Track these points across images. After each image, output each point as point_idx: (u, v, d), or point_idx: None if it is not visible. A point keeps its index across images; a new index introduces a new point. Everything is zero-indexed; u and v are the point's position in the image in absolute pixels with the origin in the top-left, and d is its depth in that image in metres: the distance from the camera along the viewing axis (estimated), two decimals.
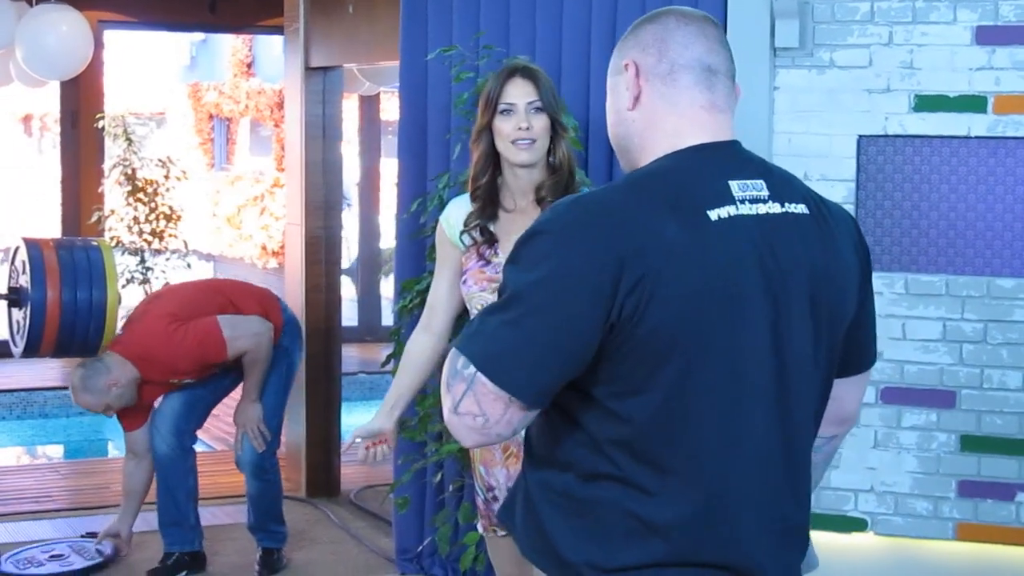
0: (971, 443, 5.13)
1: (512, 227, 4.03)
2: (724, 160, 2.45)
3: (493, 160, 4.14)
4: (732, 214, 2.36)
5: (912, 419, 5.18)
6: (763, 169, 2.47)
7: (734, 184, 2.39)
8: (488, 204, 4.12)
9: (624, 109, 2.49)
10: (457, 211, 4.20)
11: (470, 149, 4.21)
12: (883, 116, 5.15)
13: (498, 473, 4.08)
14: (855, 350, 2.61)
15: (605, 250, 2.27)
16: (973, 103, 5.08)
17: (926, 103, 5.12)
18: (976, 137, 5.08)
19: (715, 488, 2.34)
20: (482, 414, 2.29)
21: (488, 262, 4.09)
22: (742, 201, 2.38)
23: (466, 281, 4.13)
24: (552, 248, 2.30)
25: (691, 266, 2.28)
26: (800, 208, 2.46)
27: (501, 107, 4.08)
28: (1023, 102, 5.03)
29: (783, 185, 2.47)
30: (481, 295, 4.07)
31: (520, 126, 4.03)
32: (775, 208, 2.42)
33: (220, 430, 8.99)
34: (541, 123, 4.05)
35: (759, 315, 2.35)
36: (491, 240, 4.11)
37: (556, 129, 4.09)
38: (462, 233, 4.14)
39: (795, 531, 2.49)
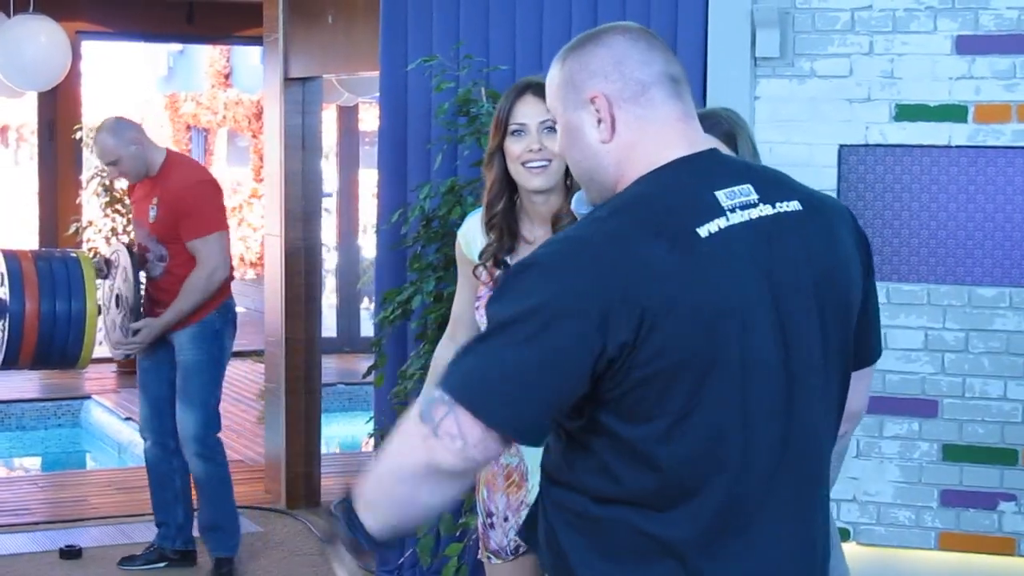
0: (953, 452, 5.14)
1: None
2: (706, 171, 2.39)
3: (508, 185, 3.81)
4: (723, 226, 2.30)
5: (894, 428, 5.18)
6: (748, 172, 2.43)
7: (720, 194, 2.33)
8: (505, 234, 3.82)
9: (596, 142, 2.41)
10: (474, 225, 3.93)
11: (483, 174, 3.92)
12: (864, 125, 5.16)
13: (499, 499, 3.96)
14: (860, 344, 2.56)
15: (592, 285, 2.22)
16: (953, 112, 5.09)
17: (907, 112, 5.13)
18: (957, 146, 5.09)
19: (728, 506, 2.32)
20: (460, 436, 2.25)
21: None
22: (731, 210, 2.32)
23: (478, 308, 3.90)
24: (538, 282, 2.26)
25: (687, 289, 2.24)
26: (793, 205, 2.41)
27: (512, 127, 3.76)
28: (1003, 111, 5.04)
29: (772, 185, 2.42)
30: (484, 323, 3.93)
31: (531, 147, 3.72)
32: (767, 210, 2.36)
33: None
34: (556, 144, 3.79)
35: (763, 326, 2.31)
36: (507, 266, 3.82)
37: None
38: (476, 267, 3.88)
39: (813, 543, 2.46)
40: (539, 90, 3.65)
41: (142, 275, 6.43)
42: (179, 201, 6.23)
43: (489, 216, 3.83)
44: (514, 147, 3.74)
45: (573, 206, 3.36)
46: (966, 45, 5.07)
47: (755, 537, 2.35)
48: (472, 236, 3.94)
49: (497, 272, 3.86)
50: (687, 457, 2.29)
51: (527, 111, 3.74)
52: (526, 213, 3.84)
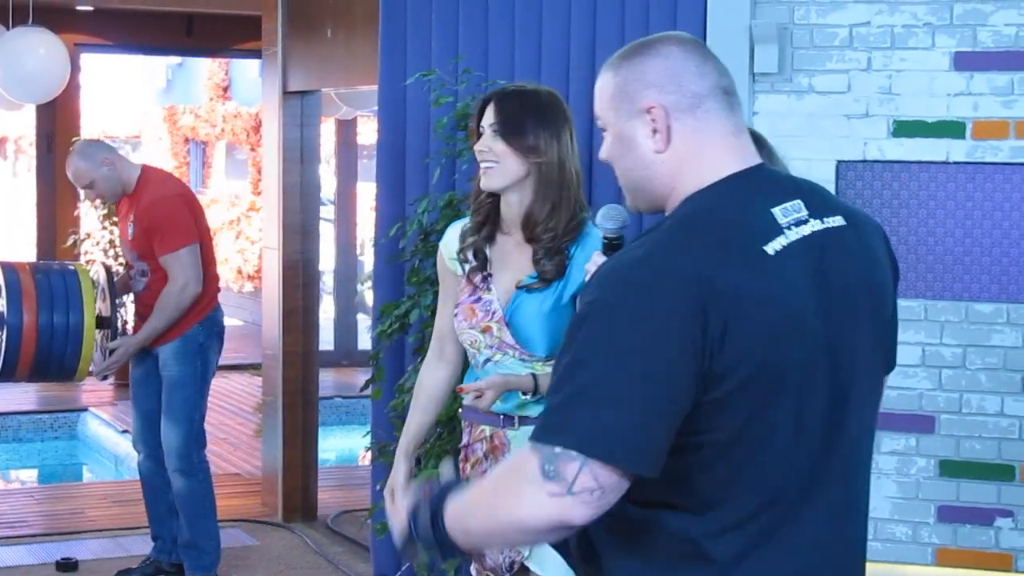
0: (950, 468, 5.14)
1: (507, 260, 3.89)
2: (760, 187, 2.42)
3: None
4: (784, 244, 2.33)
5: (891, 444, 5.18)
6: (796, 187, 2.46)
7: (776, 211, 2.37)
8: (487, 222, 3.94)
9: (650, 152, 2.42)
10: (455, 235, 4.04)
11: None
12: (862, 141, 5.16)
13: None
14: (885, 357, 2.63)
15: (687, 300, 2.23)
16: (951, 128, 5.09)
17: (905, 128, 5.13)
18: (955, 162, 5.10)
19: (770, 513, 2.33)
20: (599, 487, 2.21)
21: (479, 298, 3.93)
22: (788, 227, 2.35)
23: (457, 315, 3.97)
24: (627, 306, 2.25)
25: (761, 305, 2.26)
26: (838, 220, 2.44)
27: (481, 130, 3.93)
28: (1001, 128, 5.05)
29: (818, 200, 2.45)
30: (471, 332, 3.92)
31: (479, 148, 3.87)
32: (817, 225, 2.39)
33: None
34: (499, 147, 3.83)
35: (818, 339, 2.34)
36: (484, 266, 3.93)
37: (540, 159, 3.84)
38: (458, 252, 3.97)
39: (853, 554, 2.50)
40: (497, 97, 3.90)
41: (129, 295, 6.48)
42: (149, 217, 6.25)
43: (475, 201, 3.95)
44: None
45: (598, 221, 3.38)
46: (964, 61, 5.08)
47: (796, 545, 2.37)
48: (454, 246, 4.02)
49: (478, 278, 3.90)
50: (740, 464, 2.31)
51: (487, 115, 3.89)
52: (503, 213, 3.94)
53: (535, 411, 3.83)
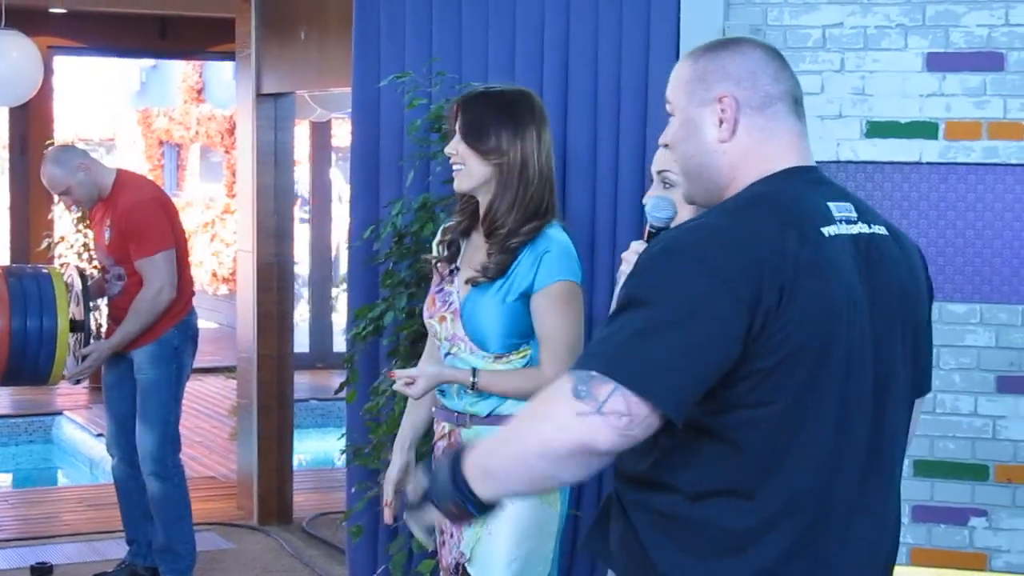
0: (924, 468, 5.14)
1: (473, 256, 3.93)
2: (817, 183, 2.54)
3: None
4: (837, 232, 2.44)
5: None
6: (847, 193, 2.57)
7: (832, 205, 2.48)
8: (468, 218, 4.01)
9: (714, 140, 2.53)
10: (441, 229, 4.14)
11: None
12: (835, 142, 5.17)
13: None
14: (918, 374, 2.67)
15: (743, 261, 2.31)
16: (924, 129, 5.10)
17: (878, 129, 5.14)
18: (927, 163, 5.11)
19: (820, 504, 2.40)
20: (628, 414, 2.26)
21: (442, 289, 3.99)
22: (840, 221, 2.46)
23: (425, 305, 4.06)
24: (685, 265, 2.32)
25: (817, 281, 2.35)
26: (882, 230, 2.55)
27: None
28: (974, 128, 5.06)
29: (865, 208, 2.56)
30: (430, 322, 3.99)
31: (448, 150, 3.95)
32: (864, 229, 2.51)
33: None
34: (463, 149, 3.89)
35: (865, 331, 2.42)
36: (453, 259, 3.99)
37: (500, 160, 3.88)
38: (437, 244, 4.05)
39: (888, 554, 2.58)
40: (462, 101, 3.98)
41: (104, 298, 6.47)
42: (125, 221, 6.25)
43: (460, 204, 4.02)
44: None
45: (648, 210, 3.38)
46: (937, 62, 5.09)
47: (846, 537, 2.43)
48: (437, 238, 4.09)
49: (448, 270, 3.93)
50: (783, 448, 2.36)
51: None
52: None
53: (484, 409, 3.86)
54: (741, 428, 2.35)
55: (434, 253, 4.08)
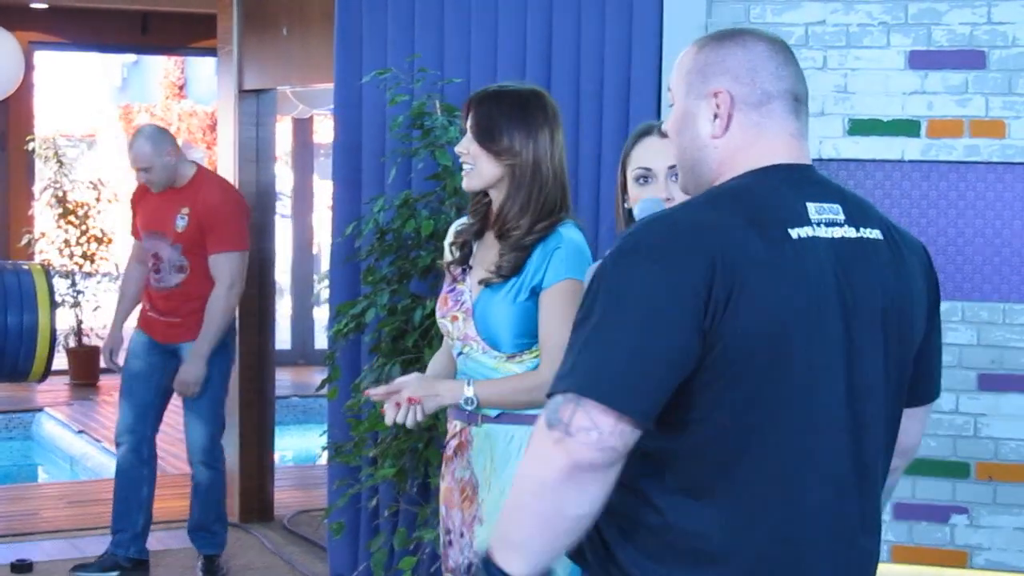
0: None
1: (485, 256, 3.89)
2: (801, 182, 2.47)
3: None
4: (810, 235, 2.38)
5: None
6: (839, 193, 2.50)
7: (811, 206, 2.42)
8: (481, 220, 3.97)
9: (706, 135, 2.49)
10: (453, 228, 4.08)
11: None
12: (817, 140, 5.17)
13: (455, 515, 3.92)
14: (920, 381, 2.62)
15: (696, 258, 2.28)
16: (906, 127, 5.11)
17: (860, 127, 5.15)
18: (909, 161, 5.11)
19: (784, 513, 2.36)
20: (595, 427, 2.23)
21: (454, 288, 3.95)
22: (818, 224, 2.41)
23: (437, 305, 4.02)
24: (641, 266, 2.30)
25: (774, 280, 2.31)
26: (875, 233, 2.48)
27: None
28: (956, 126, 5.07)
29: (858, 210, 2.49)
30: (443, 321, 3.94)
31: (458, 150, 3.92)
32: (850, 232, 2.44)
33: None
34: (474, 149, 3.86)
35: (833, 337, 2.37)
36: (465, 259, 3.95)
37: (513, 161, 3.84)
38: (450, 244, 4.01)
39: (866, 562, 2.52)
40: (472, 99, 3.93)
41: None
42: (212, 215, 6.38)
43: (473, 204, 3.99)
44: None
45: (636, 213, 3.37)
46: (919, 60, 5.10)
47: (810, 548, 2.39)
48: (449, 239, 4.05)
49: (457, 270, 3.91)
50: (741, 452, 2.33)
51: None
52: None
53: (495, 409, 3.83)
54: (695, 428, 2.32)
55: (446, 254, 4.04)
